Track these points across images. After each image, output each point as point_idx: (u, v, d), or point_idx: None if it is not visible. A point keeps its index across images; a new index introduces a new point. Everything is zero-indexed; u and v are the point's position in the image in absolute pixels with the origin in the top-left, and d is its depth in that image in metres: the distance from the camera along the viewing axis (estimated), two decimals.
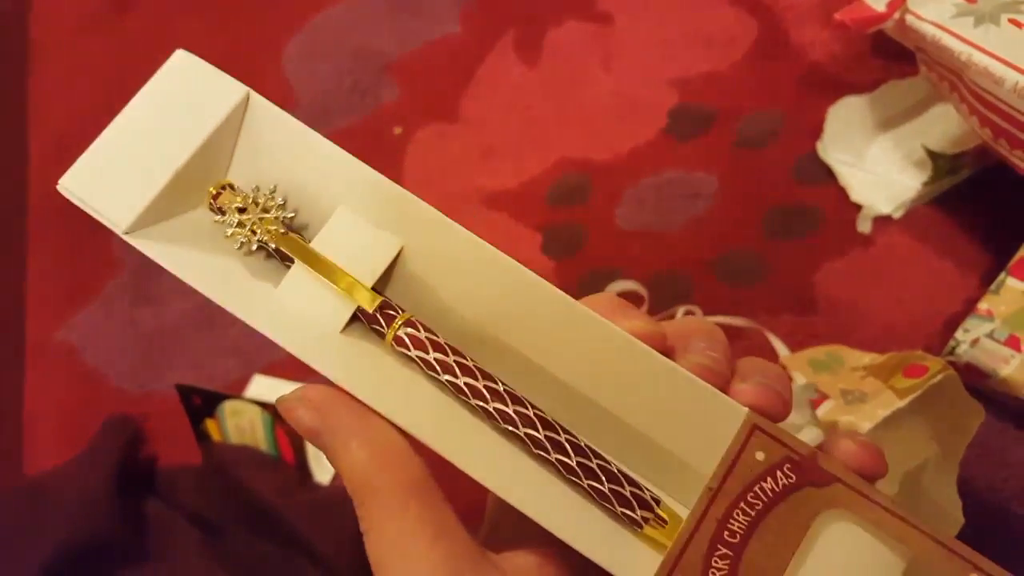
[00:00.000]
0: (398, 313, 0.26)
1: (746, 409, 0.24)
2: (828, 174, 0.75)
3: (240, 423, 0.72)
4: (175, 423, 0.78)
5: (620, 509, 0.24)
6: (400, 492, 0.23)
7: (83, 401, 0.84)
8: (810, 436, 0.57)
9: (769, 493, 0.24)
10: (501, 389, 0.25)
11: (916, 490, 0.54)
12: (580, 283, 0.77)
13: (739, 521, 0.23)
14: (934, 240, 0.70)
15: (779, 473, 0.24)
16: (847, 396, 0.53)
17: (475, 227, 0.89)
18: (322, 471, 0.71)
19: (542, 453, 0.25)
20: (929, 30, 0.63)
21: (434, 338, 0.26)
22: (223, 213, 0.27)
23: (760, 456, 0.24)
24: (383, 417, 0.25)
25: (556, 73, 0.93)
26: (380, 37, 1.06)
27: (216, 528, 0.68)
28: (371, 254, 0.26)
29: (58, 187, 0.27)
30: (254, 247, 0.26)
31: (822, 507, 0.24)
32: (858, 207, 0.72)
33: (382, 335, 0.26)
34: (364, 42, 1.06)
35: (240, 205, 0.26)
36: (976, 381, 0.60)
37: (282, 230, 0.26)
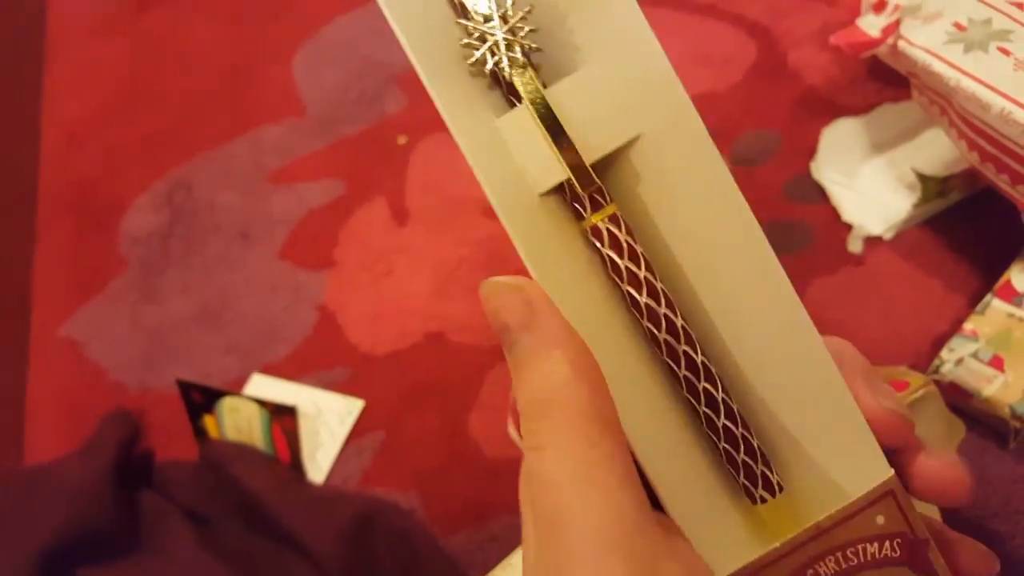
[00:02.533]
0: (606, 203, 0.23)
1: (892, 472, 0.23)
2: (821, 194, 0.76)
3: (238, 420, 0.73)
4: (173, 419, 0.79)
5: (743, 480, 0.23)
6: (597, 422, 0.21)
7: (84, 395, 0.85)
8: None
9: (869, 557, 0.23)
10: (679, 324, 0.23)
11: None
12: None
13: (827, 568, 0.23)
14: (923, 261, 0.71)
15: (888, 543, 0.23)
16: None
17: (474, 234, 0.91)
18: (315, 469, 0.73)
19: (692, 399, 0.23)
20: (920, 56, 0.64)
21: (633, 245, 0.23)
22: (465, 14, 0.23)
23: (880, 520, 0.23)
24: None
25: None
26: (387, 48, 1.08)
27: (210, 522, 0.69)
28: (603, 129, 0.23)
29: None
30: (487, 67, 0.23)
31: None
32: (849, 227, 0.73)
33: (580, 217, 0.23)
34: (371, 52, 1.08)
35: (486, 13, 0.23)
36: (960, 400, 0.61)
37: (521, 61, 0.23)
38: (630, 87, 0.22)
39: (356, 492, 0.71)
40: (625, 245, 0.23)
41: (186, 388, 0.75)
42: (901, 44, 0.66)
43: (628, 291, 0.23)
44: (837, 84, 0.85)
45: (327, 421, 0.75)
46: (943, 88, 0.63)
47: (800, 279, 0.73)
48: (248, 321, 0.87)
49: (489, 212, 0.88)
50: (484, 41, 0.23)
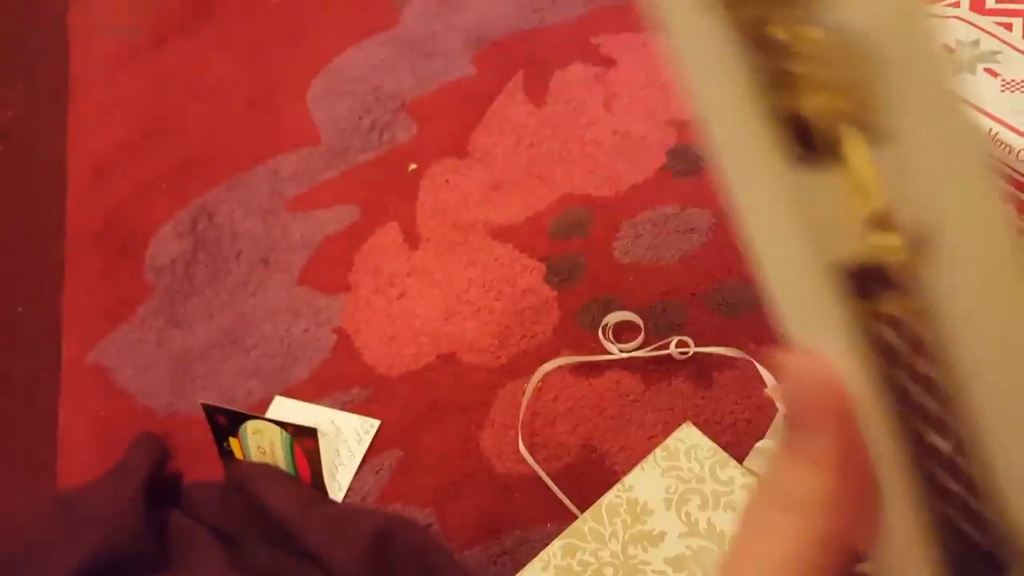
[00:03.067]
0: (911, 291, 0.19)
1: None
2: None
3: (260, 442, 0.77)
4: (199, 441, 0.82)
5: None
6: (820, 560, 0.20)
7: (114, 420, 0.89)
8: None
9: None
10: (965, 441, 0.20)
11: None
12: (580, 312, 0.82)
13: None
14: None
15: None
16: None
17: (482, 257, 0.94)
18: (335, 488, 0.76)
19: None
20: None
21: (931, 344, 0.19)
22: (774, 50, 0.18)
23: None
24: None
25: (561, 113, 0.99)
26: (398, 78, 1.11)
27: (236, 540, 0.73)
28: (915, 208, 0.18)
29: None
30: (790, 108, 0.18)
31: None
32: None
33: (865, 296, 0.20)
34: (383, 83, 1.12)
35: (810, 50, 0.18)
36: None
37: (847, 115, 0.18)
38: (946, 165, 0.19)
39: (374, 509, 0.74)
40: (923, 343, 0.20)
41: (211, 412, 0.78)
42: None
43: (919, 394, 0.20)
44: None
45: (346, 440, 0.78)
46: None
47: None
48: (270, 345, 0.90)
49: (495, 234, 0.92)
50: (785, 76, 0.19)
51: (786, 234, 0.20)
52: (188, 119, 1.20)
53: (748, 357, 0.72)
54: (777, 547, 0.20)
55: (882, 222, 0.19)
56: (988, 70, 0.64)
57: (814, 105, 0.18)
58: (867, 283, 0.20)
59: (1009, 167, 0.60)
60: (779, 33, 0.18)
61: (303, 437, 0.75)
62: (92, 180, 1.15)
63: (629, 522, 0.60)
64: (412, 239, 0.94)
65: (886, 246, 0.19)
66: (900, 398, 0.20)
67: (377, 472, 0.77)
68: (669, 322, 0.78)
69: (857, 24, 0.17)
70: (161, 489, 0.78)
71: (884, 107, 0.18)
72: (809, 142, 0.19)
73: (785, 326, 0.21)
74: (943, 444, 0.20)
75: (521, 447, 0.74)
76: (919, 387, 0.20)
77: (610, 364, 0.77)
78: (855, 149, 0.18)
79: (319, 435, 0.76)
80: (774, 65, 0.18)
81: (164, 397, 0.90)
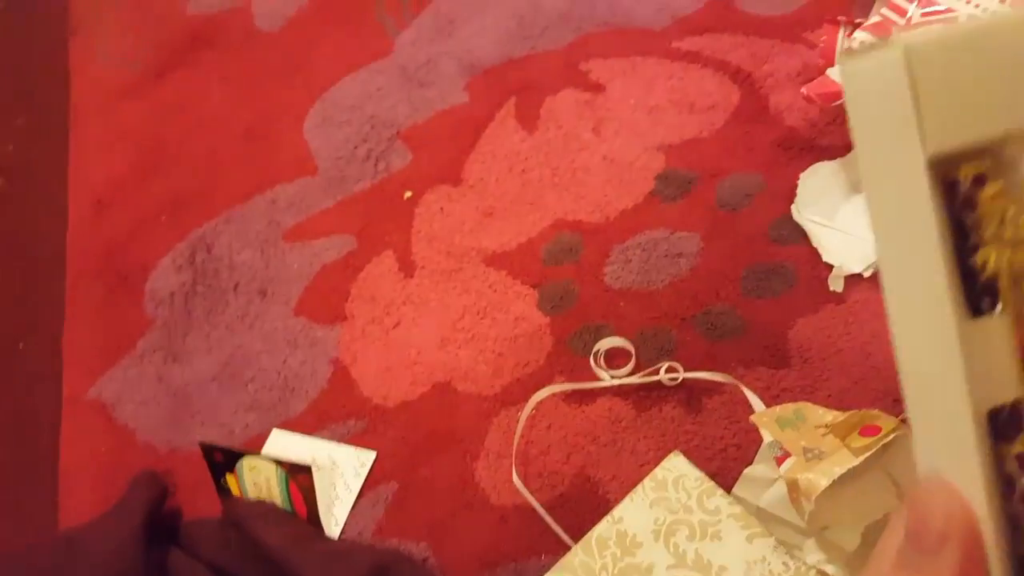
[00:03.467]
0: None
1: None
2: (802, 235, 0.79)
3: (257, 479, 0.78)
4: (199, 477, 0.83)
5: None
6: None
7: (114, 456, 0.90)
8: (779, 491, 0.61)
9: None
10: None
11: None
12: (572, 338, 0.82)
13: None
14: None
15: None
16: (808, 453, 0.57)
17: (476, 284, 0.95)
18: (332, 522, 0.77)
19: None
20: None
21: None
22: (968, 192, 0.20)
23: None
24: None
25: (552, 139, 1.00)
26: (393, 107, 1.13)
27: None
28: None
29: None
30: (974, 262, 0.20)
31: None
32: (830, 266, 0.76)
33: (1009, 439, 0.21)
34: (378, 111, 1.13)
35: (996, 213, 0.19)
36: None
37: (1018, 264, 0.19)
38: None
39: (370, 544, 0.75)
40: None
41: (208, 450, 0.79)
42: None
43: None
44: (816, 125, 0.88)
45: (343, 474, 0.79)
46: None
47: (785, 318, 0.76)
48: (268, 377, 0.91)
49: (488, 261, 0.93)
50: (982, 235, 0.20)
51: (946, 376, 0.20)
52: (187, 151, 1.21)
53: (736, 382, 0.73)
54: None
55: None
56: None
57: (991, 257, 0.20)
58: (1007, 425, 0.21)
59: None
60: (965, 185, 0.19)
61: (298, 474, 0.76)
62: (92, 213, 1.17)
63: (619, 555, 0.60)
64: (407, 267, 0.95)
65: None
66: (1013, 524, 0.21)
67: (374, 506, 0.78)
68: (659, 347, 0.78)
69: None
70: (161, 527, 0.79)
71: None
72: (979, 293, 0.20)
73: (921, 456, 0.22)
74: None
75: (515, 478, 0.75)
76: None
77: (602, 391, 0.78)
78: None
79: (315, 470, 0.77)
80: (957, 216, 0.19)
81: (164, 433, 0.91)
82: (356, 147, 1.10)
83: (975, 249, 0.20)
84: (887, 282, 0.21)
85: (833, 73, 0.77)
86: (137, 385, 0.97)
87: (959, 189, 0.20)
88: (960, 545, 0.21)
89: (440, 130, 1.07)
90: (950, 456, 0.21)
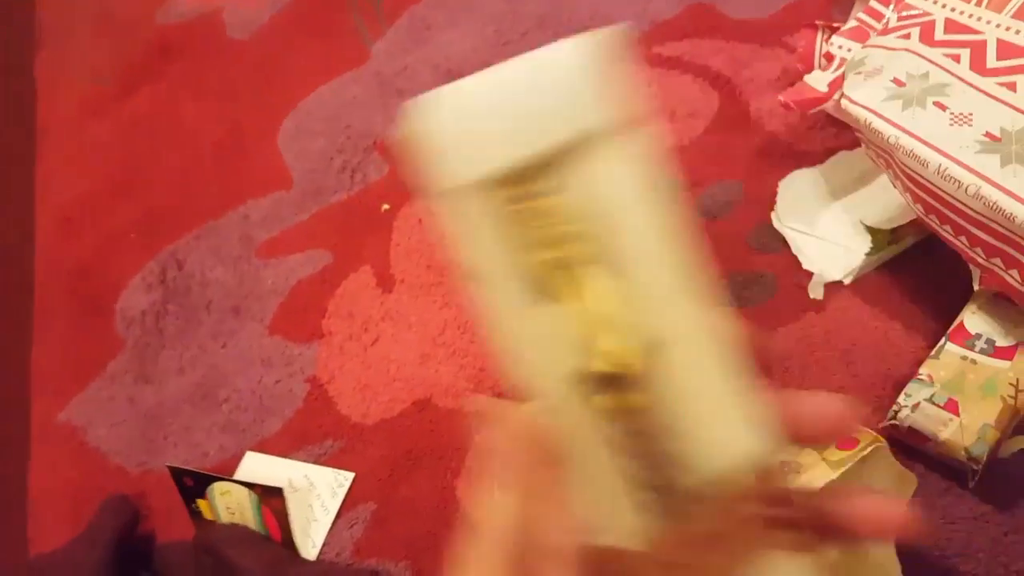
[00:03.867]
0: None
1: None
2: (782, 242, 0.79)
3: (229, 503, 0.76)
4: (172, 500, 0.81)
5: None
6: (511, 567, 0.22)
7: (86, 481, 0.88)
8: None
9: None
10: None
11: (858, 557, 0.57)
12: None
13: None
14: (883, 304, 0.73)
15: None
16: (785, 468, 0.56)
17: (457, 298, 0.93)
18: (309, 544, 0.75)
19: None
20: (861, 114, 0.67)
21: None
22: (526, 207, 0.23)
23: None
24: None
25: None
26: (369, 116, 1.11)
27: None
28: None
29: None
30: (544, 265, 0.23)
31: None
32: (810, 274, 0.75)
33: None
34: (354, 121, 1.12)
35: (554, 218, 0.23)
36: (919, 444, 0.63)
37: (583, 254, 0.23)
38: (667, 291, 0.24)
39: (347, 566, 0.73)
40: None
41: (177, 474, 0.78)
42: (844, 102, 0.69)
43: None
44: (796, 131, 0.87)
45: (319, 495, 0.77)
46: (884, 145, 0.65)
47: (766, 327, 0.75)
48: (242, 397, 0.89)
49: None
50: (544, 243, 0.24)
51: (528, 355, 0.24)
52: (157, 166, 1.19)
53: None
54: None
55: (615, 340, 0.23)
56: (937, 103, 0.64)
57: (556, 258, 0.23)
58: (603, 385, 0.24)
59: (958, 202, 0.60)
60: (534, 210, 0.23)
61: (270, 497, 0.74)
62: (60, 232, 1.15)
63: None
64: (386, 282, 0.94)
65: (621, 358, 0.23)
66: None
67: (351, 526, 0.76)
68: None
69: (590, 189, 0.23)
70: (133, 552, 0.77)
71: (614, 249, 0.23)
72: (543, 285, 0.23)
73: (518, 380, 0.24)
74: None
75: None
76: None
77: None
78: (594, 284, 0.23)
79: (290, 492, 0.75)
80: (529, 227, 0.23)
81: (136, 456, 0.89)
82: (332, 158, 1.09)
83: (549, 249, 0.23)
84: (481, 296, 0.24)
85: (811, 79, 0.76)
86: (108, 408, 0.95)
87: (529, 207, 0.23)
88: (522, 450, 0.23)
89: None
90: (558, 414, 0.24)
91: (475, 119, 0.23)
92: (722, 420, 0.25)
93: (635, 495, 0.24)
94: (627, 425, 0.24)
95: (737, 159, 0.88)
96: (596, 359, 0.24)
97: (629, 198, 0.23)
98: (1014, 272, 0.59)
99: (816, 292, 0.75)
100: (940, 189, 0.61)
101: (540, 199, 0.23)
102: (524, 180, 0.23)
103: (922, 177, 0.62)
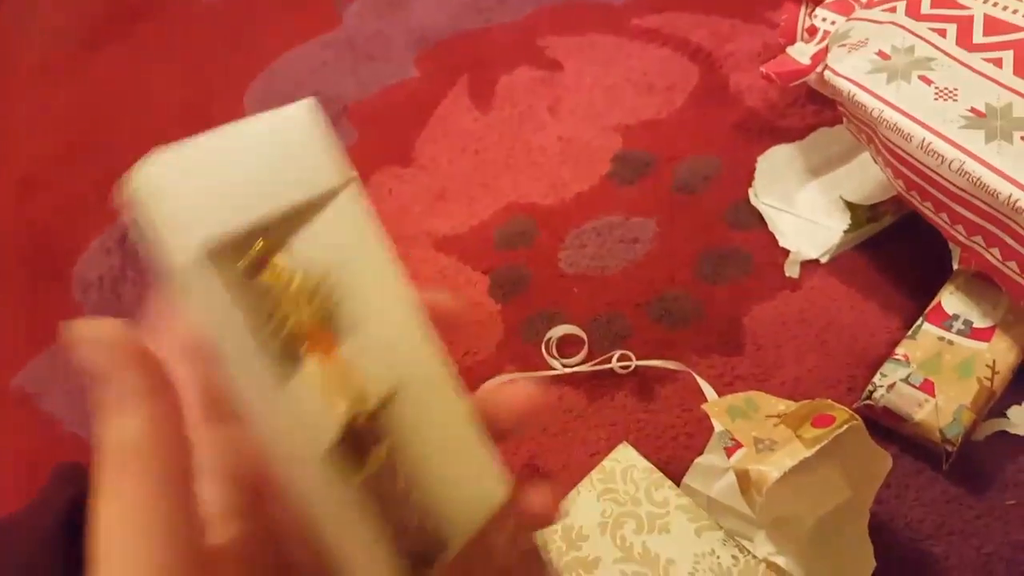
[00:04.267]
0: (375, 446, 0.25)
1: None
2: (759, 219, 0.77)
3: None
4: None
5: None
6: (164, 480, 0.22)
7: (39, 448, 0.85)
8: (731, 481, 0.59)
9: None
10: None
11: (830, 534, 0.56)
12: (524, 325, 0.79)
13: None
14: (860, 283, 0.72)
15: None
16: (759, 444, 0.55)
17: (425, 269, 0.91)
18: None
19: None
20: (845, 86, 0.65)
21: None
22: (257, 274, 0.23)
23: None
24: None
25: (506, 118, 0.96)
26: (339, 82, 1.08)
27: None
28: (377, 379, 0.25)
29: (127, 182, 0.22)
30: (281, 332, 0.24)
31: None
32: (786, 252, 0.74)
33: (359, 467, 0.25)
34: (323, 86, 1.09)
35: (284, 282, 0.23)
36: (894, 424, 0.62)
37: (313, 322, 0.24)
38: (396, 345, 0.25)
39: None
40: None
41: None
42: (827, 74, 0.67)
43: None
44: (776, 107, 0.86)
45: None
46: (867, 118, 0.64)
47: (740, 305, 0.74)
48: None
49: (438, 245, 0.89)
50: (278, 307, 0.24)
51: (283, 436, 0.23)
52: (121, 129, 1.15)
53: (689, 370, 0.70)
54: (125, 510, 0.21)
55: (356, 398, 0.23)
56: (923, 77, 0.63)
57: (291, 323, 0.23)
58: (347, 456, 0.24)
59: (941, 177, 0.59)
60: (265, 277, 0.23)
61: None
62: (17, 194, 1.10)
63: (564, 548, 0.57)
64: None
65: (360, 412, 0.24)
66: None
67: None
68: (613, 334, 0.76)
69: (319, 255, 0.23)
70: (86, 520, 0.75)
71: (344, 313, 0.24)
72: (288, 350, 0.23)
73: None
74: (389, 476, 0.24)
75: None
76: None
77: (553, 379, 0.75)
78: (325, 348, 0.23)
79: None
80: (260, 297, 0.23)
81: (91, 423, 0.86)
82: None
83: (283, 321, 0.23)
84: (229, 379, 0.23)
85: (793, 51, 0.75)
86: (64, 374, 0.92)
87: (262, 283, 0.23)
88: (130, 368, 0.22)
89: (389, 107, 1.03)
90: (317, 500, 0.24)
91: (195, 185, 0.22)
92: (462, 468, 0.26)
93: (394, 561, 0.24)
94: (379, 489, 0.24)
95: (715, 134, 0.86)
96: (337, 420, 0.24)
97: (349, 254, 0.24)
98: (995, 250, 0.58)
99: (792, 270, 0.73)
100: (923, 164, 0.60)
101: (266, 266, 0.23)
102: (248, 247, 0.23)
103: (905, 151, 0.61)
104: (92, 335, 0.22)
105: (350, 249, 0.24)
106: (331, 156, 0.24)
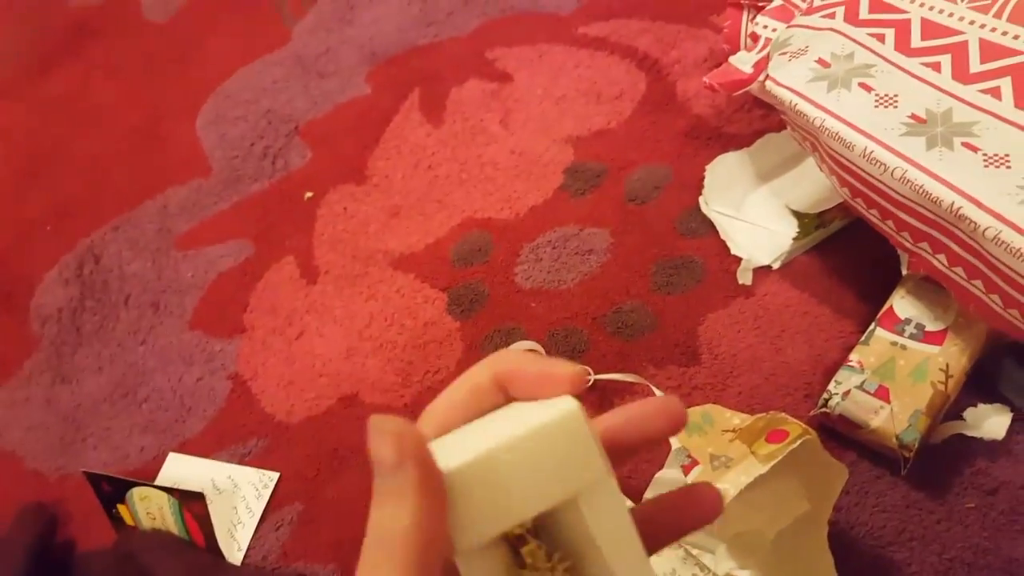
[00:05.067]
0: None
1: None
2: (711, 227, 0.78)
3: (150, 508, 0.73)
4: (92, 505, 0.78)
5: None
6: (418, 570, 0.24)
7: (1, 486, 0.84)
8: None
9: None
10: None
11: (790, 548, 0.57)
12: (483, 342, 0.79)
13: None
14: (812, 288, 0.73)
15: None
16: (715, 461, 0.55)
17: (383, 289, 0.90)
18: (235, 547, 0.72)
19: None
20: (787, 96, 0.66)
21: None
22: (518, 554, 0.27)
23: None
24: None
25: (459, 132, 0.96)
26: (290, 100, 1.07)
27: None
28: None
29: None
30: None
31: None
32: (738, 259, 0.74)
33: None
34: (275, 105, 1.07)
35: (541, 563, 0.27)
36: (850, 431, 0.63)
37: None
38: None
39: (274, 569, 0.71)
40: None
41: (95, 480, 0.74)
42: (768, 84, 0.68)
43: None
44: (723, 112, 0.86)
45: (244, 497, 0.75)
46: (810, 127, 0.64)
47: (695, 314, 0.74)
48: (163, 397, 0.86)
49: (396, 264, 0.88)
50: None
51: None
52: (71, 152, 1.14)
53: (646, 383, 0.71)
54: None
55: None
56: (862, 84, 0.63)
57: None
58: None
59: (885, 185, 0.59)
60: (527, 557, 0.27)
61: (191, 502, 0.71)
62: None
63: None
64: (310, 273, 0.91)
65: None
66: None
67: (278, 528, 0.74)
68: (571, 348, 0.76)
69: (575, 538, 0.27)
70: (52, 560, 0.74)
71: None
72: None
73: None
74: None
75: None
76: None
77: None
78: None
79: (216, 493, 0.72)
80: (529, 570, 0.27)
81: (54, 459, 0.85)
82: (252, 144, 1.04)
83: None
84: None
85: (736, 60, 0.75)
86: (24, 409, 0.90)
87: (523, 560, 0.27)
88: (415, 463, 0.24)
89: (341, 124, 1.02)
90: None
91: (483, 494, 0.26)
92: None
93: None
94: None
95: (665, 142, 0.86)
96: None
97: (603, 540, 0.27)
98: (941, 256, 0.59)
99: (744, 278, 0.74)
100: (866, 172, 0.60)
101: (526, 543, 0.27)
102: (517, 540, 0.27)
103: (848, 160, 0.61)
104: (387, 429, 0.24)
105: (604, 536, 0.27)
106: (592, 455, 0.26)
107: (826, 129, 0.62)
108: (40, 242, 1.05)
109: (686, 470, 0.56)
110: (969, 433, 0.62)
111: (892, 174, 0.58)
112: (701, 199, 0.78)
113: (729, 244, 0.75)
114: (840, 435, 0.64)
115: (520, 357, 0.29)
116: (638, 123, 0.88)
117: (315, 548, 0.72)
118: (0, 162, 1.16)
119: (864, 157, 0.60)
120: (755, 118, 0.83)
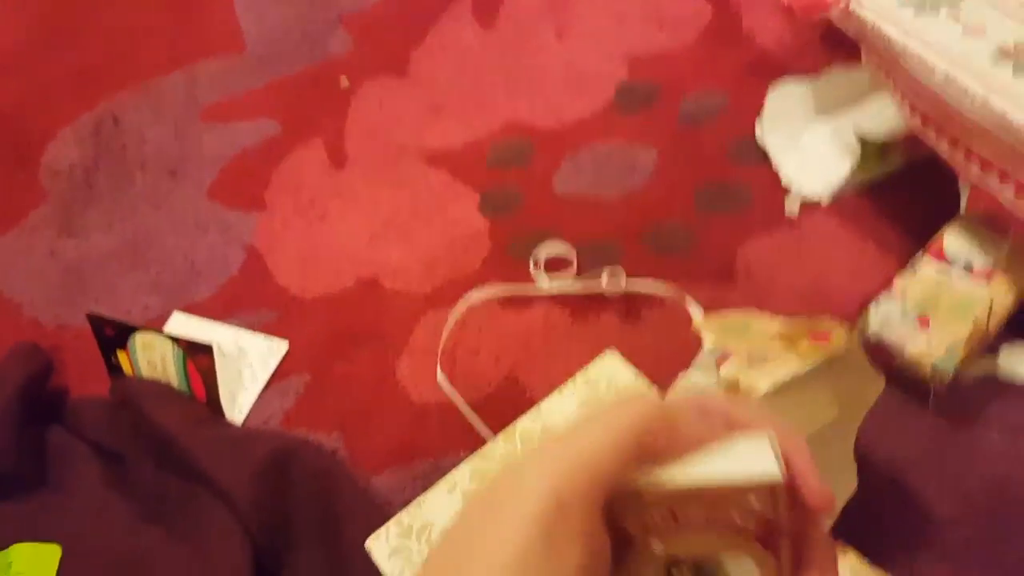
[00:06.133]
0: None
1: (779, 477, 0.28)
2: (763, 158, 0.76)
3: (151, 357, 0.70)
4: (89, 356, 0.75)
5: None
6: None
7: None
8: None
9: (730, 518, 0.28)
10: None
11: (815, 454, 0.55)
12: (512, 242, 0.77)
13: (693, 512, 0.28)
14: (858, 226, 0.71)
15: (750, 517, 0.28)
16: (751, 356, 0.53)
17: (413, 182, 0.87)
18: (235, 410, 0.70)
19: None
20: (871, 18, 0.64)
21: None
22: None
23: (753, 500, 0.27)
24: None
25: (510, 38, 0.93)
26: None
27: (120, 459, 0.67)
28: None
29: None
30: None
31: None
32: (787, 190, 0.73)
33: None
34: None
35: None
36: (884, 360, 0.62)
37: None
38: None
39: (274, 432, 0.69)
40: None
41: (97, 323, 0.71)
42: (853, 5, 0.66)
43: None
44: (789, 48, 0.84)
45: (251, 363, 0.72)
46: (891, 51, 0.62)
47: (736, 237, 0.72)
48: (173, 260, 0.83)
49: (429, 159, 0.86)
50: None
51: None
52: (100, 18, 1.10)
53: (678, 291, 0.69)
54: None
55: None
56: (951, 14, 0.62)
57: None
58: None
59: (962, 113, 0.57)
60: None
61: (197, 354, 0.69)
62: None
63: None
64: (338, 158, 0.88)
65: None
66: None
67: (283, 396, 0.71)
68: (604, 259, 0.74)
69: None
70: (43, 404, 0.71)
71: None
72: None
73: None
74: None
75: (439, 376, 0.69)
76: None
77: (539, 297, 0.73)
78: None
79: (218, 354, 0.70)
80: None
81: (53, 309, 0.82)
82: (292, 26, 1.01)
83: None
84: None
85: None
86: (26, 257, 0.87)
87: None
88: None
89: (387, 17, 0.99)
90: None
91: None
92: None
93: None
94: None
95: (725, 71, 0.84)
96: None
97: None
98: (1008, 189, 0.58)
99: (792, 207, 0.72)
100: (944, 98, 0.58)
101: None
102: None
103: (926, 85, 0.60)
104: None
105: None
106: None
107: (908, 52, 0.60)
108: (58, 100, 1.01)
109: (719, 363, 0.54)
110: (1002, 373, 0.61)
111: (972, 100, 0.57)
112: (758, 124, 0.76)
113: (780, 174, 0.73)
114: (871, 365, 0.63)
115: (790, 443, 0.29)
116: (699, 50, 0.86)
117: (319, 417, 0.70)
118: (25, 22, 1.12)
119: (945, 81, 0.58)
120: (819, 57, 0.81)
